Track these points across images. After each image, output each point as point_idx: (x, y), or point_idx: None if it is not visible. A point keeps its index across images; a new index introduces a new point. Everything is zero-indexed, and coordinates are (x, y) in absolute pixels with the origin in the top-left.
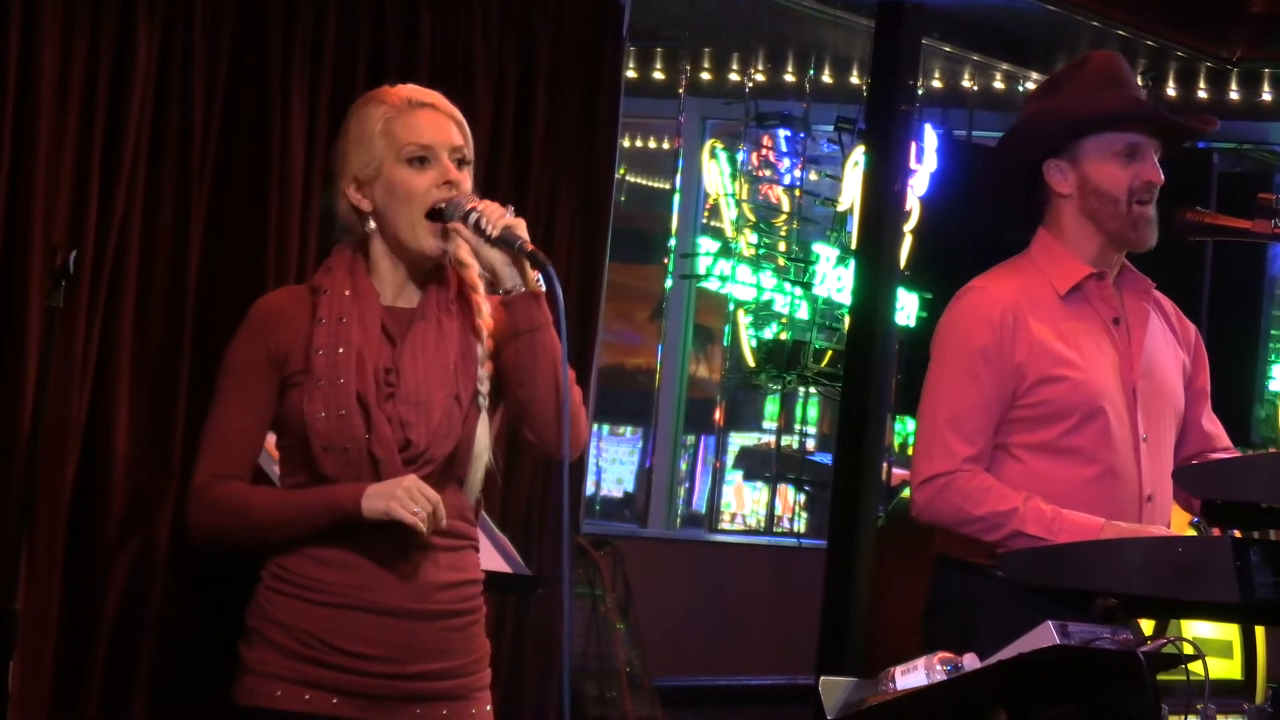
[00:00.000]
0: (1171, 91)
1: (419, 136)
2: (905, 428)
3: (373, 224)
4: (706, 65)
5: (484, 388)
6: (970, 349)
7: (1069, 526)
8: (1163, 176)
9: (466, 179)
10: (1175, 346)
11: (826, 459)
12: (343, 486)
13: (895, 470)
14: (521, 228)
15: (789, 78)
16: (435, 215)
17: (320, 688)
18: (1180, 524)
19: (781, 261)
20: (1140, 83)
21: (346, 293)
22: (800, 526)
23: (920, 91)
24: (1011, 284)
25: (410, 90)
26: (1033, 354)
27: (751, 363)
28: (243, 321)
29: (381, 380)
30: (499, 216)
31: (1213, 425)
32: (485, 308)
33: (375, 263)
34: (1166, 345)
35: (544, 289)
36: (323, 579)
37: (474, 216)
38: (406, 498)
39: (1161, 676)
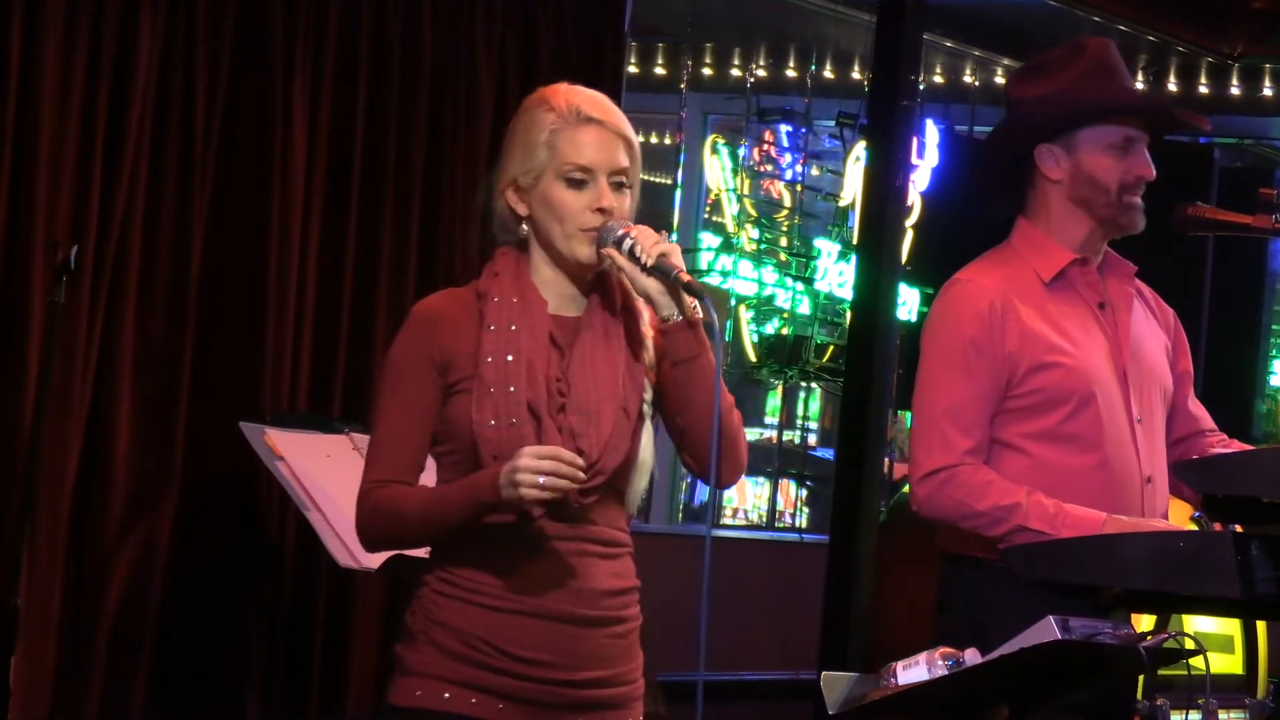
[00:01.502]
0: (1173, 86)
1: (580, 157)
2: (908, 423)
3: (526, 228)
4: (708, 61)
5: (648, 398)
6: (961, 341)
7: (1072, 521)
8: (1154, 171)
9: (625, 202)
10: (1158, 329)
11: (828, 454)
12: (480, 475)
13: (897, 465)
14: (676, 255)
15: (790, 73)
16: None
17: (488, 692)
18: (1177, 512)
19: (783, 257)
20: (1140, 77)
21: (514, 300)
22: (802, 522)
23: (922, 87)
24: (997, 274)
25: (581, 99)
26: (1024, 343)
27: (753, 358)
28: (403, 325)
29: (553, 389)
30: (653, 244)
31: (1197, 407)
32: (646, 314)
33: (538, 269)
34: (1150, 328)
35: (701, 316)
36: (489, 582)
37: (628, 243)
38: (528, 476)
39: (1163, 671)
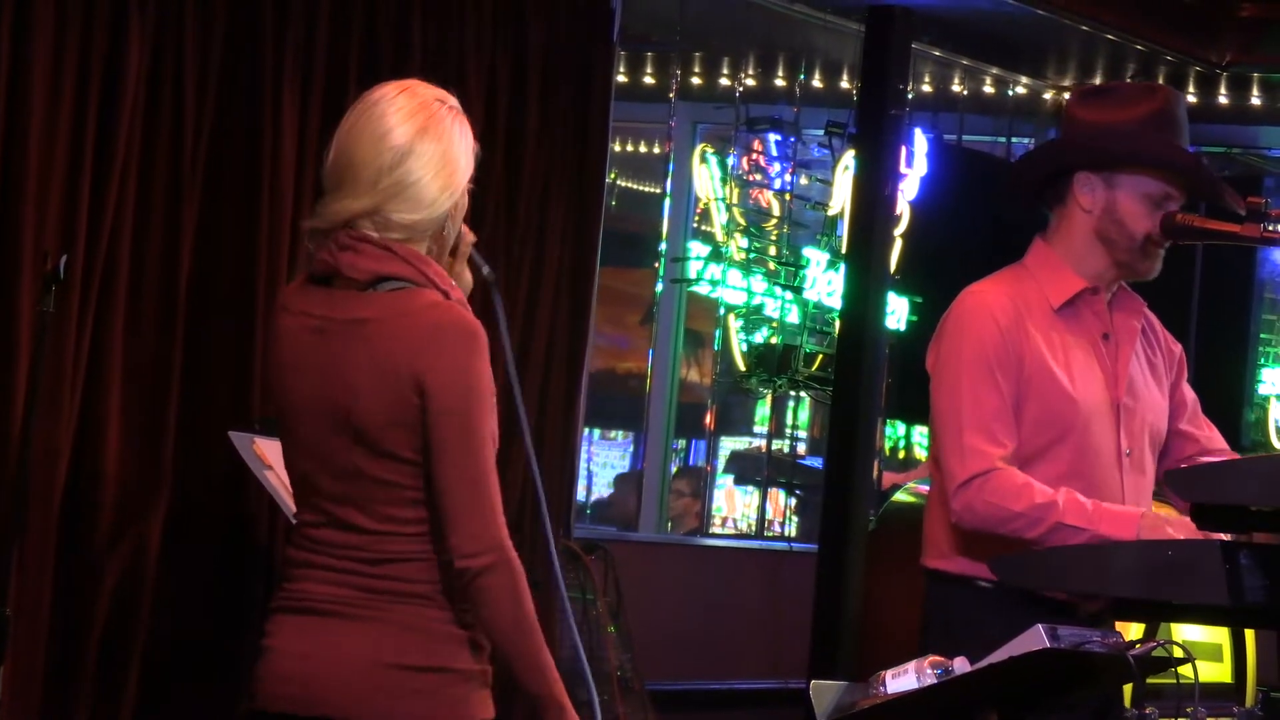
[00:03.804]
0: None
1: None
2: (896, 431)
3: None
4: (697, 69)
5: None
6: (984, 350)
7: (1110, 516)
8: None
9: None
10: (1160, 366)
11: (818, 463)
12: None
13: (886, 474)
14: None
15: (779, 82)
16: None
17: None
18: None
19: (772, 266)
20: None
21: None
22: (791, 531)
23: (910, 96)
24: (1009, 291)
25: None
26: (1028, 364)
27: (742, 367)
28: None
29: None
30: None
31: (1208, 429)
32: None
33: None
34: (1152, 364)
35: None
36: None
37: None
38: None
39: (1151, 680)
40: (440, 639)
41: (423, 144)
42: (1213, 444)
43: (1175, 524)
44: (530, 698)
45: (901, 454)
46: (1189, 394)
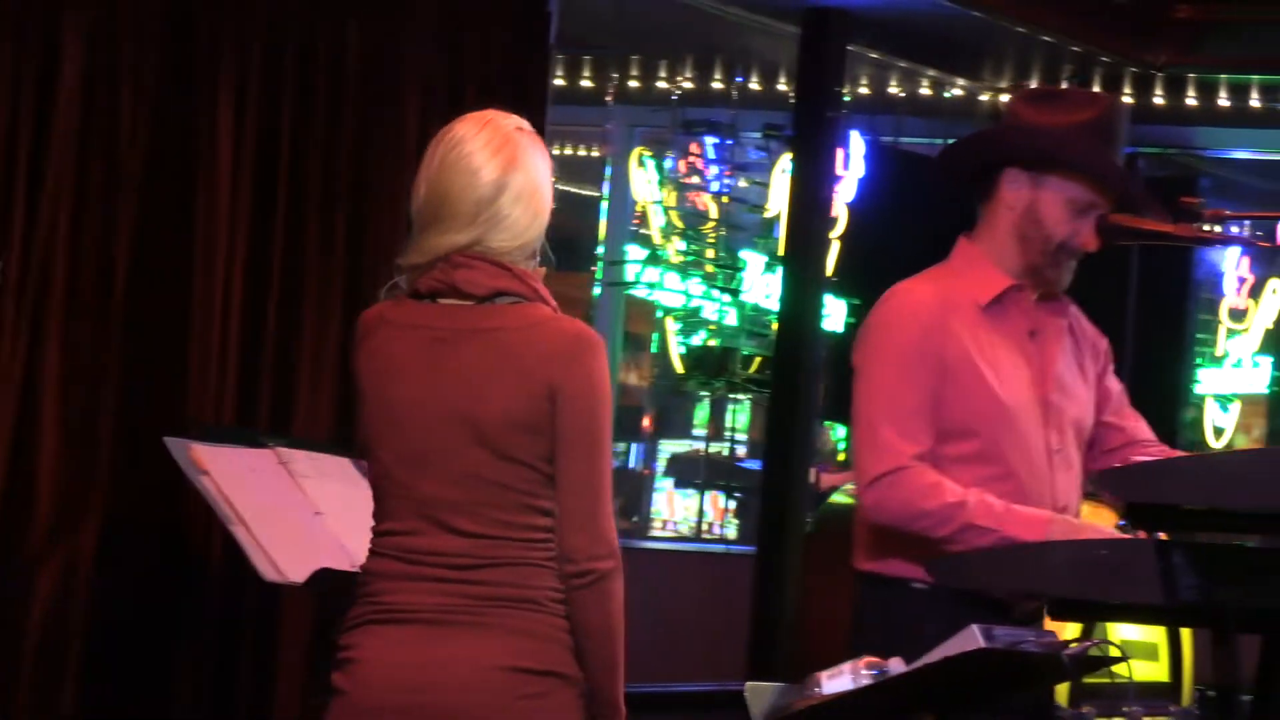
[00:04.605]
0: None
1: None
2: (836, 434)
3: None
4: (634, 73)
5: None
6: (904, 348)
7: (1019, 519)
8: (1097, 247)
9: None
10: (1087, 361)
11: (757, 465)
12: None
13: (825, 475)
14: None
15: (716, 85)
16: None
17: None
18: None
19: (709, 268)
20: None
21: None
22: (731, 533)
23: (847, 98)
24: (935, 290)
25: None
26: (954, 362)
27: (680, 369)
28: None
29: None
30: None
31: (1135, 419)
32: None
33: None
34: (1079, 360)
35: None
36: None
37: None
38: None
39: (1088, 679)
40: (551, 644)
41: (511, 177)
42: (1139, 434)
43: (1087, 530)
44: (600, 703)
45: (841, 456)
46: (1115, 385)
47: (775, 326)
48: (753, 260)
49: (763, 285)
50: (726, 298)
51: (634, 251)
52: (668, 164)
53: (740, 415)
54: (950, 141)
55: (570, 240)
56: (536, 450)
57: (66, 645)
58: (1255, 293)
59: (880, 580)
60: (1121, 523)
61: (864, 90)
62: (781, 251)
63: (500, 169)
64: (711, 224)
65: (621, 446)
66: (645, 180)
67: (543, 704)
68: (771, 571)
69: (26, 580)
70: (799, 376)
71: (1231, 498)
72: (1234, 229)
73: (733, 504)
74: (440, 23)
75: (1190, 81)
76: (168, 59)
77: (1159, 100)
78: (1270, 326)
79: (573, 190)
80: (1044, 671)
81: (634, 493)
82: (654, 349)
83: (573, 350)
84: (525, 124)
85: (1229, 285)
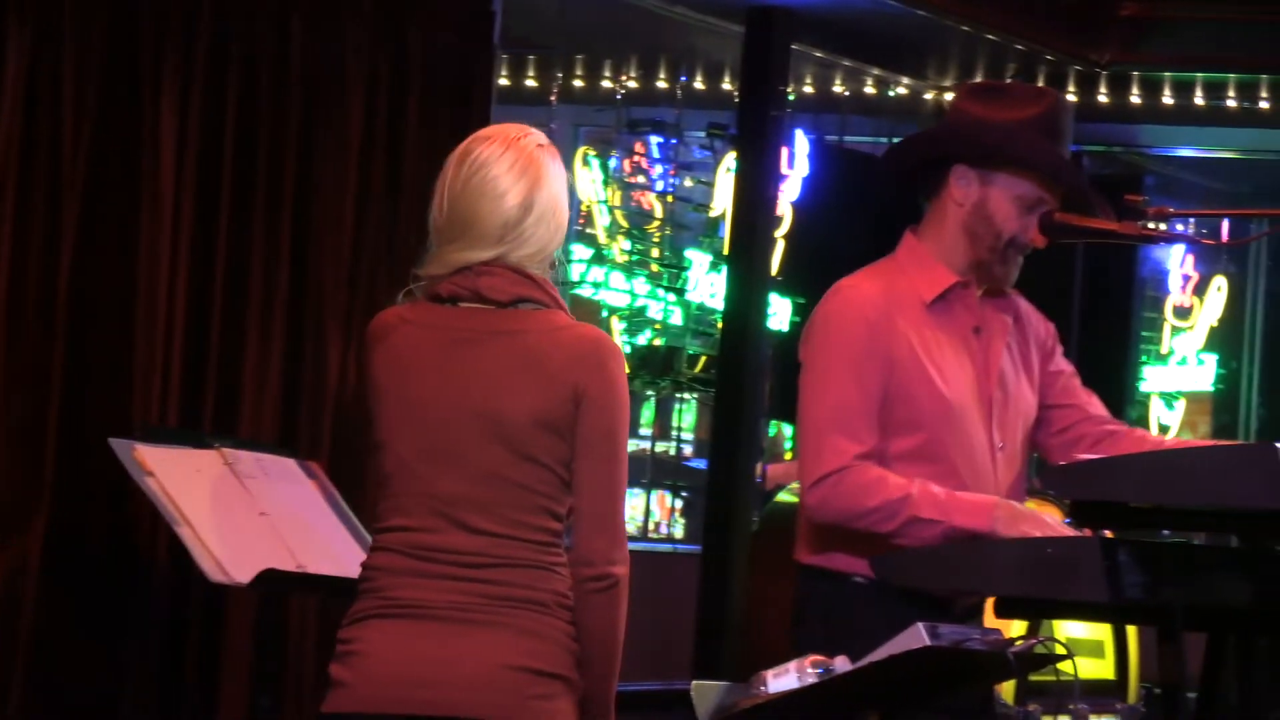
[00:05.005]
0: None
1: None
2: (782, 432)
3: None
4: (579, 72)
5: None
6: (849, 346)
7: (964, 506)
8: (1044, 244)
9: None
10: (1033, 355)
11: (703, 464)
12: None
13: (770, 467)
14: None
15: (661, 84)
16: None
17: None
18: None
19: (654, 268)
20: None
21: None
22: (678, 532)
23: (791, 97)
24: (880, 286)
25: None
26: (899, 359)
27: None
28: None
29: None
30: None
31: (1088, 396)
32: None
33: None
34: (1024, 356)
35: None
36: None
37: None
38: None
39: (1034, 677)
40: (557, 647)
41: (534, 197)
42: (1091, 409)
43: (1030, 516)
44: (594, 707)
45: (788, 455)
46: (1066, 366)
47: (720, 326)
48: (698, 259)
49: (708, 284)
50: (672, 297)
51: (579, 251)
52: (612, 163)
53: (686, 415)
54: (895, 141)
55: None
56: (557, 453)
57: (13, 646)
58: (1200, 290)
59: (822, 574)
60: (1067, 520)
61: (808, 89)
62: (726, 251)
63: (525, 192)
64: (656, 223)
65: None
66: (590, 179)
67: (549, 705)
68: (717, 570)
69: None
70: (744, 376)
71: (1177, 495)
72: (1179, 227)
73: (679, 503)
74: (384, 22)
75: (1134, 79)
76: (110, 60)
77: (1103, 98)
78: (1215, 324)
79: None
80: (989, 669)
81: None
82: None
83: (598, 355)
84: (544, 139)
85: (1174, 283)
